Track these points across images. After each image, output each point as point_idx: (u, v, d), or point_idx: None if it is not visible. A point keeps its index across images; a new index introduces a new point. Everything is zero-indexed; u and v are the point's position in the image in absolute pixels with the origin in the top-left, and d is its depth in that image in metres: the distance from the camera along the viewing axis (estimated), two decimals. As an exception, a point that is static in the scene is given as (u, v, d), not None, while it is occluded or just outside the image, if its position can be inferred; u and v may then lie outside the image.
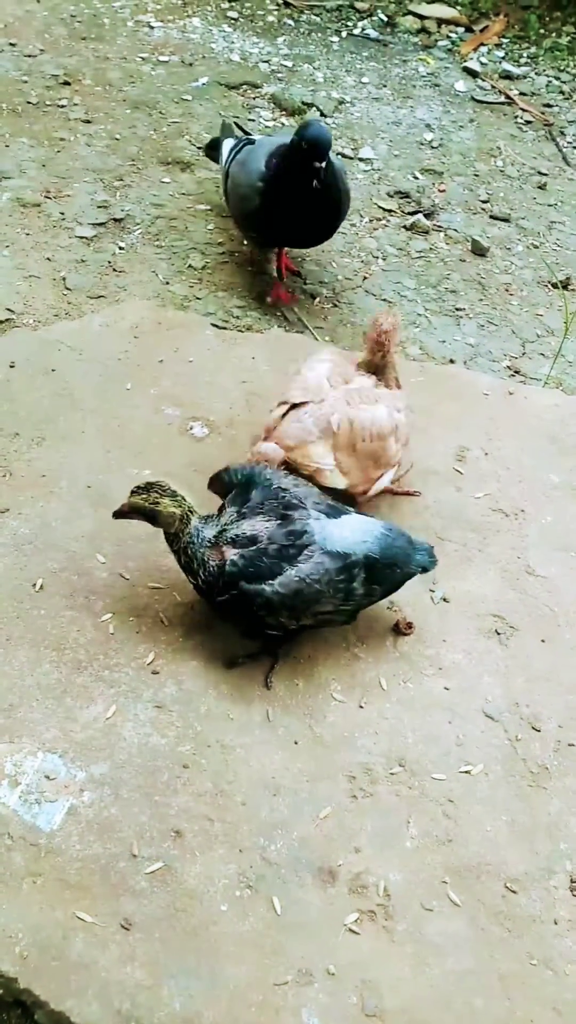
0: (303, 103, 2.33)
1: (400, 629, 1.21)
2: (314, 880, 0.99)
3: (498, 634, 1.23)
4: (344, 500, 1.23)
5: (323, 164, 1.62)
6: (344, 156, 2.22)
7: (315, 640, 1.20)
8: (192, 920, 0.96)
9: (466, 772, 1.09)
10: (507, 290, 1.94)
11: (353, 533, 1.14)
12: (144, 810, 1.02)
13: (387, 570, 1.15)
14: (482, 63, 2.59)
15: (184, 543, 1.12)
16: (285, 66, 2.48)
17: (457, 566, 1.30)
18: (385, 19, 2.70)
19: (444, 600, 1.26)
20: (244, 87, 2.37)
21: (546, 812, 1.07)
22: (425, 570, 1.20)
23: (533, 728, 1.14)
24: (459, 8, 2.72)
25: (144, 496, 1.13)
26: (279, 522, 1.12)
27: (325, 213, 1.73)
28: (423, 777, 1.08)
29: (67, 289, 1.73)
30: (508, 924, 0.99)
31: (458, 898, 1.00)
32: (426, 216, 2.07)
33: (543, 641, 1.23)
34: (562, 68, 2.61)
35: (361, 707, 1.14)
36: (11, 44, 2.35)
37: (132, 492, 1.14)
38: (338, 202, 1.73)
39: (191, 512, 1.13)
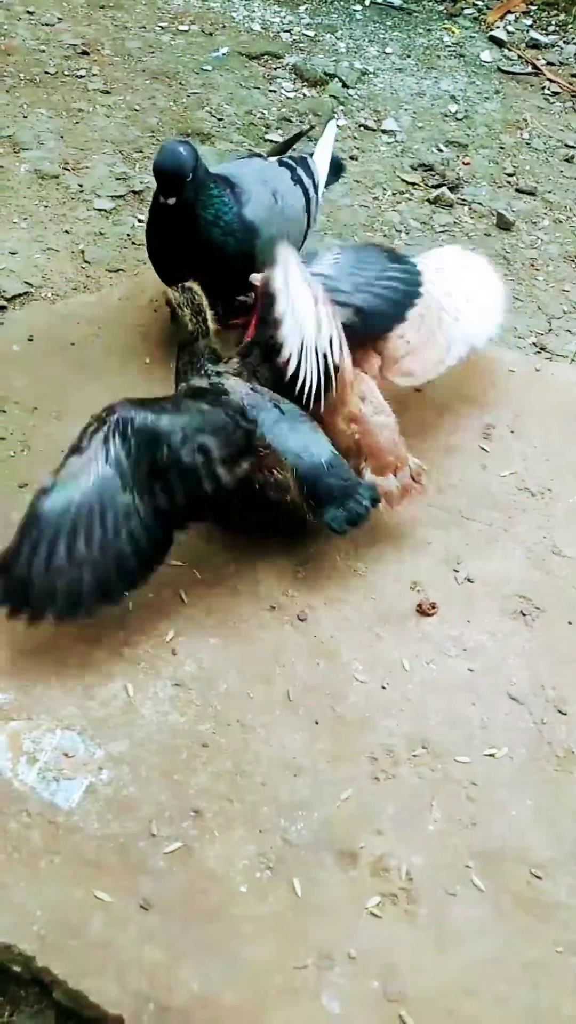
0: (325, 74, 2.28)
1: (423, 610, 1.19)
2: (335, 862, 0.98)
3: (523, 615, 1.21)
4: None
5: (170, 201, 1.27)
6: (367, 128, 2.17)
7: (337, 620, 1.18)
8: (211, 901, 0.94)
9: (490, 755, 1.07)
10: (533, 265, 1.89)
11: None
12: (163, 789, 1.01)
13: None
14: (509, 32, 2.52)
15: (185, 359, 1.19)
16: (307, 36, 2.42)
17: (482, 546, 1.28)
18: (409, -13, 2.63)
19: (468, 580, 1.23)
20: (265, 57, 2.32)
21: (572, 796, 1.05)
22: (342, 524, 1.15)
23: (559, 711, 1.11)
24: (486, -25, 2.65)
25: (179, 293, 1.20)
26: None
27: (192, 260, 1.32)
28: (446, 759, 1.06)
29: (86, 262, 1.71)
30: (533, 910, 0.97)
31: (482, 883, 0.98)
32: (450, 189, 2.02)
33: (569, 623, 1.21)
34: (592, 37, 2.54)
35: (383, 688, 1.11)
36: (28, 12, 2.31)
37: (176, 287, 1.21)
38: (217, 252, 1.31)
39: (201, 342, 1.19)
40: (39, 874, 0.94)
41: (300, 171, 1.52)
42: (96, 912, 0.92)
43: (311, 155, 1.60)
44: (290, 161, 1.54)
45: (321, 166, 1.60)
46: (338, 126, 2.16)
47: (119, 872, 0.95)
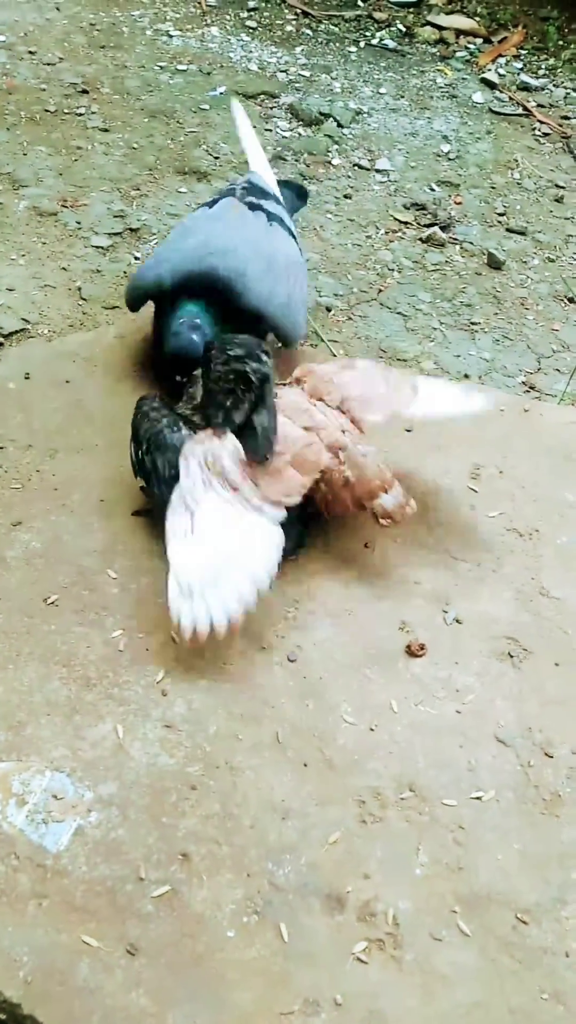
0: (321, 113, 2.33)
1: (412, 651, 1.20)
2: (322, 907, 0.98)
3: (511, 657, 1.22)
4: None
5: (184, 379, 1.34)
6: (361, 167, 2.22)
7: (326, 661, 1.19)
8: (198, 946, 0.95)
9: (477, 798, 1.08)
10: (523, 304, 1.92)
11: None
12: (151, 832, 1.01)
13: None
14: (500, 74, 2.58)
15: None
16: (303, 76, 2.48)
17: (471, 587, 1.29)
18: (403, 30, 2.70)
19: (457, 621, 1.25)
20: (262, 96, 2.37)
21: (558, 840, 1.06)
22: None
23: (546, 754, 1.12)
24: (477, 19, 2.71)
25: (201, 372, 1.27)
26: None
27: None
28: (433, 803, 1.07)
29: (82, 299, 1.73)
30: (519, 956, 0.97)
31: (468, 928, 0.98)
32: (442, 228, 2.06)
33: (557, 664, 1.22)
34: (581, 80, 2.60)
35: (372, 730, 1.12)
36: (30, 52, 2.36)
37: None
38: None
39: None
40: (26, 918, 0.94)
41: (268, 207, 1.52)
42: (83, 957, 0.93)
43: (252, 172, 1.62)
44: (255, 202, 1.52)
45: (260, 166, 1.63)
46: (333, 165, 2.21)
47: (106, 916, 0.95)
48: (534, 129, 2.43)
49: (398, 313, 1.84)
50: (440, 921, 0.99)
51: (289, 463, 1.22)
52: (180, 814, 1.03)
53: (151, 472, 1.25)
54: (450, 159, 2.29)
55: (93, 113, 2.21)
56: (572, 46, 2.68)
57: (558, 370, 1.78)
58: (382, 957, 0.96)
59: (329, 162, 2.21)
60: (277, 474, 1.21)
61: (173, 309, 1.38)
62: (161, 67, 2.40)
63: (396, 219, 2.08)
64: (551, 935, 0.99)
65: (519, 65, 2.62)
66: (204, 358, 1.26)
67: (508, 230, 2.10)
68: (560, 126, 2.42)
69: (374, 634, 1.22)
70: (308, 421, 1.26)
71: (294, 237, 1.57)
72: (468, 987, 0.95)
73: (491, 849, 1.04)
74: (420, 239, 2.03)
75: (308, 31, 2.65)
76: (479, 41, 2.67)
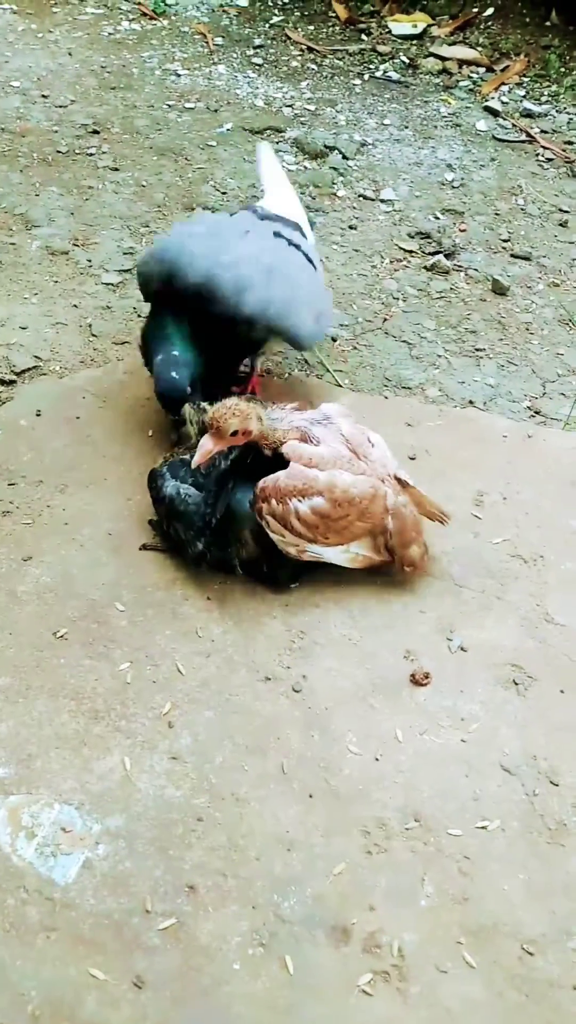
0: (326, 146, 2.37)
1: (417, 679, 1.21)
2: (327, 939, 0.99)
3: (516, 684, 1.22)
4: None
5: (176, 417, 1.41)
6: (366, 198, 2.25)
7: (331, 691, 1.20)
8: (204, 979, 0.95)
9: (482, 828, 1.08)
10: (527, 329, 1.94)
11: None
12: (158, 864, 1.03)
13: None
14: (503, 102, 2.61)
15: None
16: (308, 110, 2.52)
17: (475, 614, 1.30)
18: (407, 61, 2.74)
19: (462, 649, 1.25)
20: (268, 132, 2.42)
21: (564, 871, 1.05)
22: None
23: (551, 782, 1.12)
24: (480, 49, 2.75)
25: (194, 409, 1.36)
26: None
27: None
28: (439, 833, 1.07)
29: (93, 336, 1.77)
30: (525, 988, 0.97)
31: (473, 960, 0.98)
32: (447, 256, 2.08)
33: (562, 692, 1.22)
34: (584, 105, 2.63)
35: (377, 760, 1.13)
36: (43, 96, 2.43)
37: (193, 404, 1.39)
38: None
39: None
40: (35, 952, 0.96)
41: (283, 231, 1.57)
42: (90, 991, 0.94)
43: (273, 210, 1.65)
44: (279, 229, 1.56)
45: (276, 199, 1.68)
46: (338, 196, 2.24)
47: (114, 949, 0.97)
48: (538, 155, 2.45)
49: (403, 341, 1.86)
50: (446, 953, 0.99)
51: (355, 521, 1.26)
52: (186, 846, 1.04)
53: (177, 538, 1.30)
54: (454, 187, 2.31)
55: (104, 153, 2.27)
56: (574, 73, 2.70)
57: (563, 394, 1.79)
58: (388, 990, 0.96)
59: (335, 194, 2.25)
60: (344, 530, 1.25)
61: (155, 324, 1.45)
62: (169, 106, 2.46)
63: (401, 248, 2.11)
64: (557, 967, 0.99)
65: (522, 93, 2.65)
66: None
67: (512, 256, 2.12)
68: (563, 151, 2.45)
69: (379, 663, 1.23)
70: (362, 468, 1.27)
71: (308, 257, 1.57)
72: (474, 1021, 0.95)
73: (496, 879, 1.04)
74: (425, 267, 2.06)
75: (313, 66, 2.70)
76: (482, 70, 2.71)
